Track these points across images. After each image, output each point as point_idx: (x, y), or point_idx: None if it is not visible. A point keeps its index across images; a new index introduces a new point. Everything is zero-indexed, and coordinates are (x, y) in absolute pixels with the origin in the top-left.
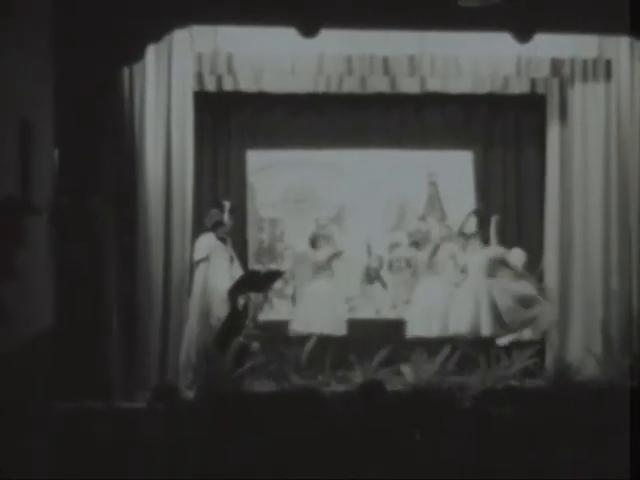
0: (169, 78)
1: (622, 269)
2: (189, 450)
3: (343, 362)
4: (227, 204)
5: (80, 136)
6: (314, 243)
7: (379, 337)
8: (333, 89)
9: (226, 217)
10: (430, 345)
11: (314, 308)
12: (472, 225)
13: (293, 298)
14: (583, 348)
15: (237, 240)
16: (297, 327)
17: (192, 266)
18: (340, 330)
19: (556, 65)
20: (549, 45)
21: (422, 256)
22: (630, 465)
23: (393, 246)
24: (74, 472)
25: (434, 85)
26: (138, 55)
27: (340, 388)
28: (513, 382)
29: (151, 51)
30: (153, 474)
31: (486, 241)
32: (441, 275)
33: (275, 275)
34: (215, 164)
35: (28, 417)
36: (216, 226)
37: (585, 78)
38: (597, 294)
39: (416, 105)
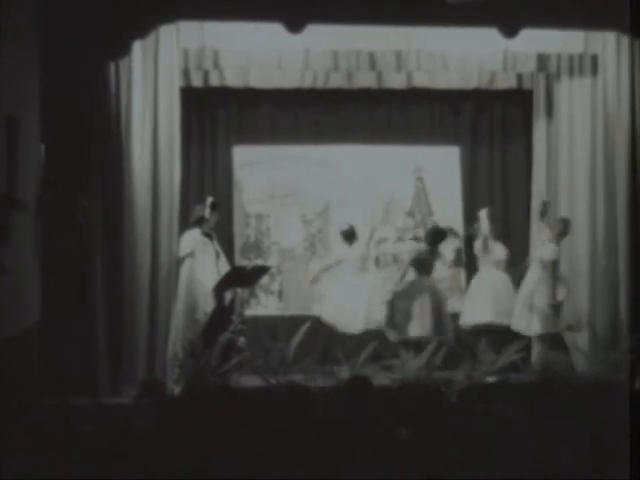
0: (155, 74)
1: (608, 264)
2: (175, 446)
3: (329, 357)
4: (209, 199)
5: (66, 132)
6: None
7: (366, 332)
8: (319, 84)
9: (207, 212)
10: (417, 340)
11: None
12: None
13: (279, 293)
14: (569, 343)
15: (223, 236)
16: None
17: (178, 262)
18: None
19: (542, 60)
20: (535, 40)
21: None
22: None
23: (380, 241)
24: (60, 468)
25: (421, 80)
26: (124, 51)
27: (327, 383)
28: (499, 377)
29: (137, 47)
30: (139, 470)
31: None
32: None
33: (261, 271)
34: (202, 160)
35: (14, 413)
36: (199, 222)
37: (571, 73)
38: (583, 289)
39: (403, 100)
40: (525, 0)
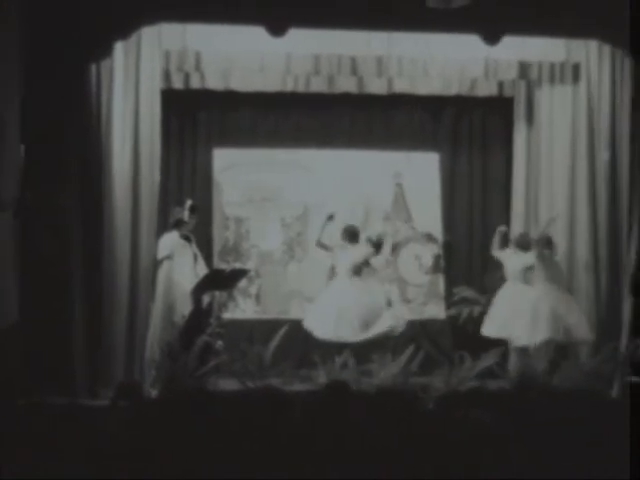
0: (137, 75)
1: (588, 271)
2: (152, 448)
3: (306, 361)
4: (188, 202)
5: (47, 133)
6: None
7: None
8: (301, 88)
9: (186, 215)
10: (394, 345)
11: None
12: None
13: (257, 297)
14: (547, 350)
15: (202, 238)
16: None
17: (156, 264)
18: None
19: (524, 68)
20: (517, 48)
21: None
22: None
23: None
24: (35, 470)
25: (402, 86)
26: (106, 52)
27: (303, 388)
28: (476, 383)
29: (119, 48)
30: (115, 472)
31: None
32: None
33: (240, 274)
34: (182, 162)
35: None
36: (178, 224)
37: (552, 81)
38: (562, 296)
39: (383, 106)
40: (507, 7)
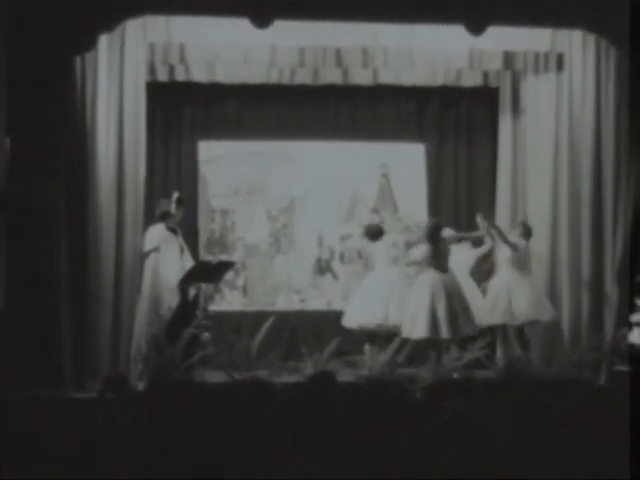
0: (121, 68)
1: (571, 261)
2: (138, 440)
3: (293, 353)
4: (175, 194)
5: (32, 125)
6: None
7: (330, 328)
8: (285, 80)
9: (173, 207)
10: (381, 336)
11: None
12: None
13: (244, 289)
14: (533, 340)
15: (188, 231)
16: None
17: (142, 257)
18: None
19: (509, 58)
20: (502, 38)
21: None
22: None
23: (344, 237)
24: (22, 462)
25: (387, 77)
26: (90, 44)
27: (290, 379)
28: (463, 374)
29: (103, 40)
30: (102, 464)
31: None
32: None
33: (226, 266)
34: (167, 154)
35: None
36: (164, 216)
37: (537, 71)
38: (546, 286)
39: (369, 97)
40: None
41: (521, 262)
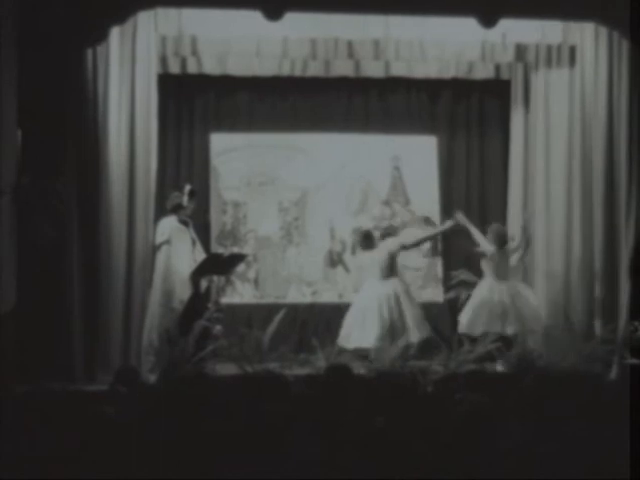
0: (133, 60)
1: (584, 254)
2: (150, 433)
3: (305, 346)
4: (187, 187)
5: (43, 118)
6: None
7: (341, 321)
8: (297, 72)
9: (185, 200)
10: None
11: None
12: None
13: (256, 281)
14: (545, 333)
15: (200, 223)
16: None
17: (154, 249)
18: None
19: (520, 50)
20: (514, 30)
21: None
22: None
23: (356, 230)
24: (34, 454)
25: (399, 69)
26: (102, 37)
27: (302, 372)
28: (475, 367)
29: (115, 33)
30: (113, 457)
31: None
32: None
33: (238, 258)
34: (179, 147)
35: None
36: (176, 209)
37: (549, 64)
38: (559, 279)
39: (380, 89)
40: None
41: (499, 270)
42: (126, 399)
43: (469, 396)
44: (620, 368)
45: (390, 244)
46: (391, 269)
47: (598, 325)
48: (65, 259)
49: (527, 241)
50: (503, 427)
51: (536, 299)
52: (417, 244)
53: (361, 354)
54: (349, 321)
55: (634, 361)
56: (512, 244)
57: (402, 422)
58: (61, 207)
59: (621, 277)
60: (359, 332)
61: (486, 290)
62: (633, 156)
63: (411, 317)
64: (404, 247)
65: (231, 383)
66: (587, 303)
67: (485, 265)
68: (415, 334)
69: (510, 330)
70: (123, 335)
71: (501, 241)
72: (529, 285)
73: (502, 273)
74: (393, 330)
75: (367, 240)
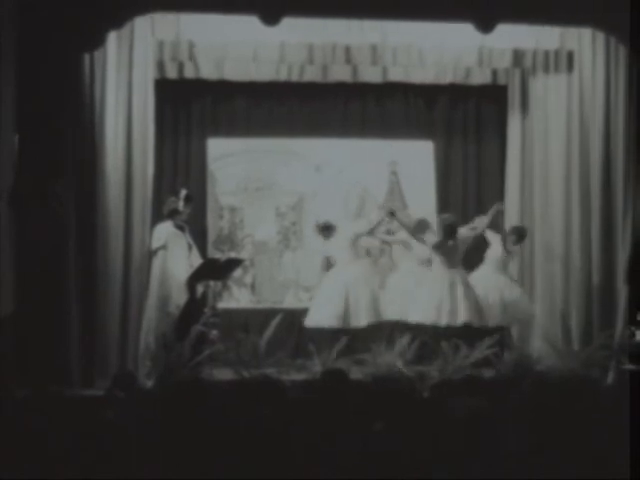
0: (130, 65)
1: (583, 258)
2: (147, 438)
3: (302, 351)
4: (183, 192)
5: (40, 122)
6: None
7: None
8: (294, 78)
9: (181, 205)
10: (389, 334)
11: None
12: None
13: (252, 286)
14: (542, 338)
15: (196, 228)
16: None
17: (150, 254)
18: None
19: (518, 56)
20: (511, 36)
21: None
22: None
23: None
24: (30, 459)
25: (396, 75)
26: (99, 42)
27: (299, 377)
28: (472, 372)
29: (112, 38)
30: (110, 462)
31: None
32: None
33: (234, 263)
34: (176, 152)
35: None
36: (172, 214)
37: (547, 69)
38: (557, 283)
39: (378, 94)
40: None
41: (450, 260)
42: (124, 404)
43: (466, 401)
44: (617, 373)
45: (349, 231)
46: (354, 255)
47: (596, 330)
48: (63, 263)
49: (520, 234)
50: (500, 432)
51: (518, 291)
52: (373, 231)
53: (359, 359)
54: (313, 302)
55: (631, 366)
56: (468, 232)
57: (398, 427)
58: (60, 210)
59: (618, 282)
60: (317, 312)
61: (430, 280)
62: (630, 161)
63: (366, 302)
64: (363, 234)
65: (227, 388)
66: (585, 308)
67: (433, 254)
68: (363, 319)
69: (444, 320)
70: (120, 339)
71: (450, 231)
72: (513, 279)
73: (452, 262)
74: (345, 313)
75: (327, 230)
